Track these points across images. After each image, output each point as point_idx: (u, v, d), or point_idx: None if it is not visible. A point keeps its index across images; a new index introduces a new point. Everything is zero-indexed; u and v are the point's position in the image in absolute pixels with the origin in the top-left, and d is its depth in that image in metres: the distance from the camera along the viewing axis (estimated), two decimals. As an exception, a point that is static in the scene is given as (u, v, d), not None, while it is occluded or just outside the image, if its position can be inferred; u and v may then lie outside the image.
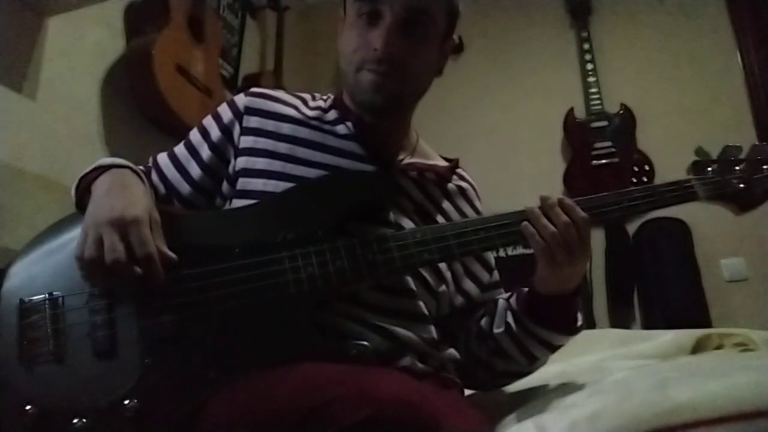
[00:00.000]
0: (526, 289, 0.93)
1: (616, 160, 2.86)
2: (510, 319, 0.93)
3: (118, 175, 0.87)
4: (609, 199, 0.89)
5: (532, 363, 0.95)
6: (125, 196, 0.82)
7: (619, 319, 2.73)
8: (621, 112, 2.94)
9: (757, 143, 0.98)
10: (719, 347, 1.14)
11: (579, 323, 0.92)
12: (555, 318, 0.89)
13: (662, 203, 0.91)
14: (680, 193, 0.92)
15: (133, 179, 0.88)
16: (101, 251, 0.76)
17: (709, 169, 0.96)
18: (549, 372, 1.02)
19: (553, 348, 0.93)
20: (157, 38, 1.95)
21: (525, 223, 0.84)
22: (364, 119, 0.95)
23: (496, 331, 0.94)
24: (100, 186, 0.85)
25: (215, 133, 0.98)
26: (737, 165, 0.96)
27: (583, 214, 0.84)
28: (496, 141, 3.11)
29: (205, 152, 0.97)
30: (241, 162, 0.94)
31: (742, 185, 0.94)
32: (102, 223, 0.77)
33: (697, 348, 1.16)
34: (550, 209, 0.84)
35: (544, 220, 0.83)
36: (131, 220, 0.78)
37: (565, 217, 0.83)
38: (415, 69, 0.91)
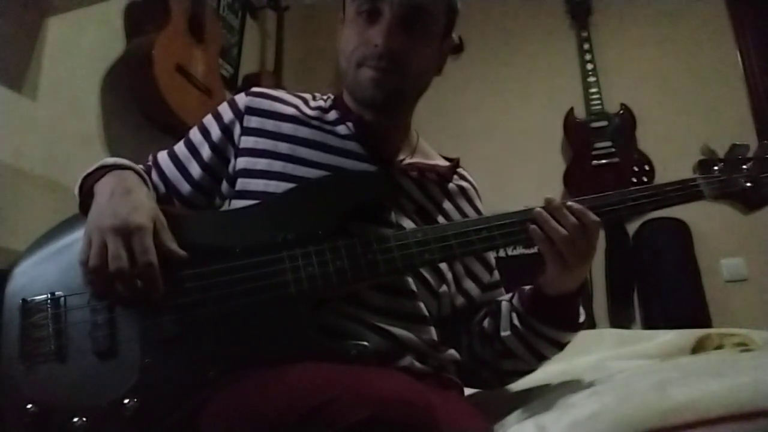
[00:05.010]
0: (527, 289, 0.93)
1: (616, 160, 2.86)
2: (516, 321, 0.92)
3: (121, 177, 0.87)
4: (613, 199, 0.89)
5: (541, 361, 0.95)
6: (129, 201, 0.82)
7: (619, 319, 2.72)
8: (621, 112, 2.94)
9: (765, 141, 0.96)
10: (719, 347, 1.13)
11: (582, 318, 0.93)
12: (561, 316, 0.89)
13: (668, 202, 0.91)
14: (686, 192, 0.92)
15: (135, 182, 0.88)
16: (105, 259, 0.76)
17: (716, 167, 0.94)
18: (549, 372, 1.02)
19: (562, 345, 0.93)
20: (157, 38, 1.95)
21: (533, 226, 0.84)
22: (365, 119, 0.95)
23: (503, 334, 0.93)
24: (102, 189, 0.85)
25: (216, 132, 0.98)
26: (744, 164, 0.94)
27: (594, 217, 0.83)
28: (496, 141, 3.11)
29: (206, 152, 0.97)
30: (242, 162, 0.94)
31: (749, 184, 0.93)
32: (106, 230, 0.77)
33: (697, 348, 1.16)
34: (557, 211, 0.83)
35: (554, 223, 0.83)
36: (135, 227, 0.78)
37: (573, 219, 0.82)
38: (415, 66, 0.91)
